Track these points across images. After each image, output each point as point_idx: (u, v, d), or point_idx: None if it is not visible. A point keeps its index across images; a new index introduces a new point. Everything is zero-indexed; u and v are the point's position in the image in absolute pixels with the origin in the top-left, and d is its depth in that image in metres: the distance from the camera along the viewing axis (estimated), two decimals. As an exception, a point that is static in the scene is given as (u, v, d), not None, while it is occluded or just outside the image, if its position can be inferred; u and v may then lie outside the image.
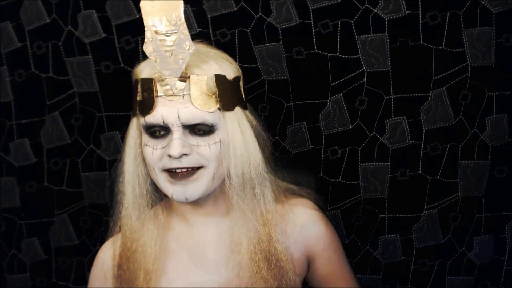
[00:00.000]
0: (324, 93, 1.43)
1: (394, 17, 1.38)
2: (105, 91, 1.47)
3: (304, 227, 0.98)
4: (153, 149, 0.87)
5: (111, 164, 1.49)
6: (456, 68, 1.39)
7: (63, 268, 1.57)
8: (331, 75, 1.42)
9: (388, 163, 1.45)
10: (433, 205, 1.46)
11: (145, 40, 0.85)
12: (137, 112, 0.89)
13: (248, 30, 1.41)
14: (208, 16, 1.41)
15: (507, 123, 1.42)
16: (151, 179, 0.93)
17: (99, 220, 1.53)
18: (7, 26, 1.46)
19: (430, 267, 1.50)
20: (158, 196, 0.97)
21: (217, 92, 0.87)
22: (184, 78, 0.85)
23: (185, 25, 0.84)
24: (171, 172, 0.87)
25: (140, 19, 1.41)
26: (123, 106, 1.48)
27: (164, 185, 0.88)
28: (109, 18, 1.43)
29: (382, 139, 1.44)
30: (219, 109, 0.88)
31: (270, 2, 1.39)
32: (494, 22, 1.36)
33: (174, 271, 0.95)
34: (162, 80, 0.85)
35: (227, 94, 0.89)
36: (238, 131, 0.90)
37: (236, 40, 1.40)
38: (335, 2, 1.38)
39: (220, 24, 1.41)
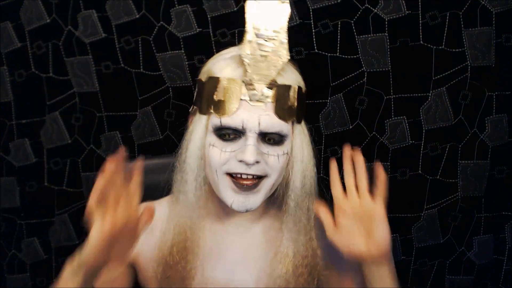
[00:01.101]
0: (324, 93, 1.43)
1: (394, 17, 1.38)
2: (105, 91, 1.47)
3: None
4: (221, 151, 0.85)
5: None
6: (456, 68, 1.40)
7: (63, 268, 1.56)
8: (331, 75, 1.42)
9: (388, 163, 1.45)
10: (433, 205, 1.47)
11: (244, 40, 0.83)
12: (211, 111, 0.85)
13: (248, 30, 1.41)
14: (208, 16, 1.41)
15: (507, 123, 1.42)
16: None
17: (99, 220, 1.53)
18: (7, 26, 1.46)
19: (429, 266, 1.50)
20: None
21: (295, 104, 0.86)
22: (272, 85, 0.84)
23: (286, 33, 0.83)
24: (236, 181, 0.86)
25: (140, 19, 1.42)
26: (123, 106, 1.48)
27: (225, 192, 0.87)
28: (109, 18, 1.43)
29: (382, 139, 1.44)
30: (292, 121, 0.87)
31: (270, 2, 1.39)
32: (494, 22, 1.36)
33: (209, 267, 0.96)
34: (251, 84, 0.83)
35: (301, 107, 0.89)
36: (305, 143, 0.91)
37: (236, 40, 1.40)
38: (335, 2, 1.38)
39: (220, 24, 1.41)
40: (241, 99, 0.83)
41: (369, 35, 1.39)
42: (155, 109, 1.47)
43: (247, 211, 0.87)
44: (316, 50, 1.41)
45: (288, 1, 0.83)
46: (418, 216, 1.47)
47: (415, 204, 1.47)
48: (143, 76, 1.45)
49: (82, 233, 1.55)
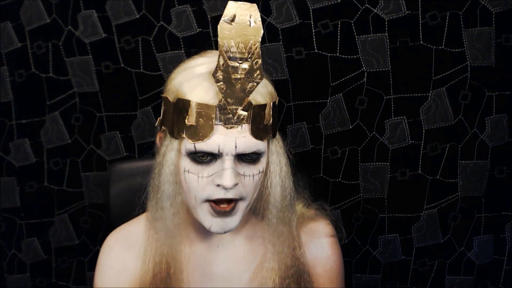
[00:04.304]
0: (324, 93, 1.43)
1: (394, 17, 1.38)
2: (105, 91, 1.47)
3: (309, 249, 0.96)
4: (198, 177, 0.82)
5: (111, 164, 1.49)
6: (456, 68, 1.40)
7: (63, 268, 1.57)
8: (331, 75, 1.42)
9: (388, 163, 1.45)
10: (432, 205, 1.47)
11: (216, 66, 0.78)
12: (183, 136, 0.81)
13: (248, 30, 1.41)
14: (208, 16, 1.41)
15: (507, 123, 1.42)
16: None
17: (99, 220, 1.53)
18: (7, 26, 1.46)
19: (429, 266, 1.50)
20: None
21: (271, 121, 0.84)
22: (248, 107, 0.80)
23: (260, 53, 0.79)
24: (214, 207, 0.83)
25: (140, 19, 1.42)
26: (123, 106, 1.48)
27: (204, 217, 0.85)
28: (109, 18, 1.43)
29: (382, 139, 1.44)
30: (268, 138, 0.85)
31: (270, 2, 1.39)
32: (494, 22, 1.36)
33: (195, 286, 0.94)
34: (225, 109, 0.79)
35: (276, 121, 0.86)
36: (281, 157, 0.88)
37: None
38: (335, 2, 1.38)
39: (220, 24, 1.41)
40: (216, 124, 0.80)
41: (369, 35, 1.39)
42: (155, 109, 1.47)
43: (225, 232, 0.85)
44: (316, 50, 1.41)
45: (260, 22, 0.78)
46: (418, 216, 1.47)
47: (415, 204, 1.47)
48: (143, 76, 1.45)
49: (82, 233, 1.55)
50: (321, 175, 1.47)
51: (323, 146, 1.46)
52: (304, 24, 1.40)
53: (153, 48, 1.44)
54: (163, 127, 0.87)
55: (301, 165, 1.08)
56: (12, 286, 1.57)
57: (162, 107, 0.87)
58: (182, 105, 0.81)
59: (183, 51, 1.43)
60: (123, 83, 1.46)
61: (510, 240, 1.47)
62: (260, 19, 0.78)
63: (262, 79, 0.80)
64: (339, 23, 1.39)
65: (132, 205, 1.05)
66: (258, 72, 0.79)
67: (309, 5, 1.39)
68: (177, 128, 0.82)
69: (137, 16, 1.43)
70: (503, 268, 1.48)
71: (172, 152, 0.84)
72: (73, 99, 1.48)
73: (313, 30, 1.40)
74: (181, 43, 1.43)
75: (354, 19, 1.39)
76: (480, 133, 1.42)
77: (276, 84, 1.46)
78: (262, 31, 0.79)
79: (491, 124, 1.42)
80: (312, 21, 1.40)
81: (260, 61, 0.79)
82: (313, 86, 1.43)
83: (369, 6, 1.38)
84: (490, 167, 1.44)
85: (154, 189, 0.87)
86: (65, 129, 1.50)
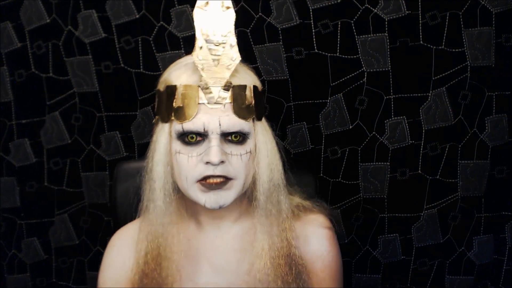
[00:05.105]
0: (324, 93, 1.43)
1: (394, 17, 1.38)
2: (105, 91, 1.47)
3: (308, 240, 0.98)
4: (188, 157, 0.88)
5: (111, 164, 1.49)
6: (456, 68, 1.40)
7: (63, 268, 1.57)
8: (331, 75, 1.42)
9: (388, 163, 1.45)
10: (432, 204, 1.47)
11: (195, 47, 0.87)
12: (172, 118, 0.89)
13: (248, 30, 1.41)
14: (208, 16, 1.41)
15: (507, 123, 1.42)
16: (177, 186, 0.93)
17: (99, 220, 1.53)
18: (7, 26, 1.46)
19: (429, 266, 1.50)
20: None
21: (253, 102, 0.90)
22: (228, 87, 0.88)
23: (234, 35, 0.88)
24: (205, 183, 0.88)
25: (140, 19, 1.42)
26: (123, 106, 1.48)
27: (196, 195, 0.90)
28: (109, 18, 1.43)
29: (382, 139, 1.44)
30: (252, 119, 0.91)
31: (270, 2, 1.40)
32: (494, 22, 1.36)
33: (188, 272, 0.96)
34: (207, 88, 0.87)
35: (260, 105, 0.93)
36: (268, 138, 0.94)
37: (236, 40, 1.40)
38: (335, 2, 1.38)
39: (220, 24, 1.41)
40: (199, 103, 0.87)
41: (369, 35, 1.39)
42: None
43: (220, 207, 0.89)
44: (316, 50, 1.41)
45: (232, 7, 0.88)
46: (418, 216, 1.47)
47: (415, 204, 1.47)
48: (143, 76, 1.45)
49: (82, 233, 1.55)
50: (321, 175, 1.47)
51: (323, 146, 1.46)
52: (304, 24, 1.40)
53: (153, 48, 1.44)
54: (156, 116, 0.94)
55: (303, 165, 1.08)
56: (12, 286, 1.57)
57: (156, 100, 0.94)
58: (170, 91, 0.89)
59: (183, 51, 1.43)
60: (123, 83, 1.46)
61: (510, 240, 1.47)
62: (231, 4, 0.88)
63: (239, 60, 0.88)
64: (339, 23, 1.39)
65: (137, 204, 1.05)
66: (235, 53, 0.88)
67: (309, 5, 1.39)
68: (166, 113, 0.90)
69: (137, 16, 1.43)
70: (503, 268, 1.48)
71: (163, 136, 0.91)
72: (73, 99, 1.48)
73: (313, 30, 1.40)
74: (181, 43, 1.43)
75: (354, 19, 1.39)
76: (480, 133, 1.43)
77: (276, 84, 1.47)
78: (235, 15, 0.88)
79: (491, 124, 1.42)
80: (312, 21, 1.40)
81: (235, 42, 0.88)
82: (313, 86, 1.43)
83: (369, 6, 1.38)
84: (490, 167, 1.44)
85: (148, 171, 0.93)
86: (65, 129, 1.50)
